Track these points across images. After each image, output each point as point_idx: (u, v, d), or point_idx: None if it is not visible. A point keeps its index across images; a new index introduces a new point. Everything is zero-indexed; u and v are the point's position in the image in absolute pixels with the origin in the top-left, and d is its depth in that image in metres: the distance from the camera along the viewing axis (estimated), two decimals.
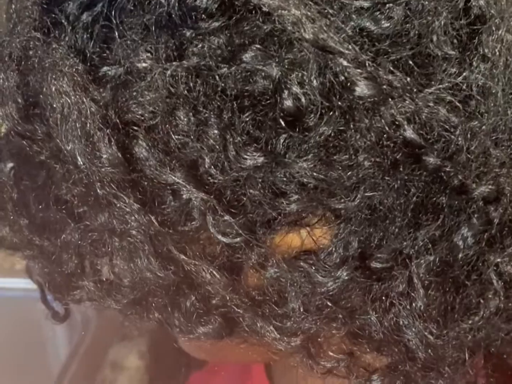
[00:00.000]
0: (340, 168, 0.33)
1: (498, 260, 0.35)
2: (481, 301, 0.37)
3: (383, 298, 0.36)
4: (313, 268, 0.35)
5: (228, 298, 0.35)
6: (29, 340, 1.06)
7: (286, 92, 0.31)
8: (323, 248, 0.36)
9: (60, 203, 0.36)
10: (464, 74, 0.33)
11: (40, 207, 0.37)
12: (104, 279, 0.37)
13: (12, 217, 0.38)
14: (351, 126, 0.32)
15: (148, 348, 1.03)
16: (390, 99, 0.31)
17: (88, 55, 0.33)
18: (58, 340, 1.09)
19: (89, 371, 1.01)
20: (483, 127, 0.33)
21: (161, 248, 0.34)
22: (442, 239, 0.35)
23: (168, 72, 0.31)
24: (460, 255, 0.35)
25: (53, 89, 0.32)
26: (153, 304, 0.37)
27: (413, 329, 0.35)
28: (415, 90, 0.32)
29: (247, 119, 0.32)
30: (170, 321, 0.37)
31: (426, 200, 0.35)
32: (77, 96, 0.32)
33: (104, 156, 0.32)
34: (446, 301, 0.36)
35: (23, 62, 0.35)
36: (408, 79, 0.32)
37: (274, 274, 0.35)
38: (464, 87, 0.33)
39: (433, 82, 0.33)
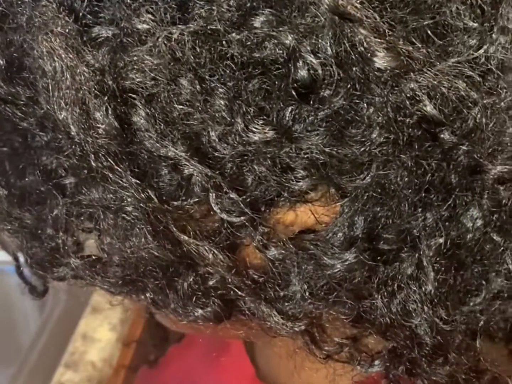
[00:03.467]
0: (352, 143, 0.31)
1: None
2: (483, 282, 0.35)
3: (391, 281, 0.34)
4: (319, 248, 0.33)
5: (229, 279, 0.33)
6: None
7: (301, 61, 0.29)
8: (326, 227, 0.34)
9: (46, 173, 0.33)
10: (484, 47, 0.31)
11: (20, 177, 0.35)
12: (92, 256, 0.35)
13: None
14: (366, 99, 0.30)
15: (119, 321, 1.02)
16: (410, 72, 0.29)
17: (81, 14, 0.30)
18: (28, 312, 1.07)
19: (59, 343, 0.99)
20: (502, 103, 0.32)
21: (159, 226, 0.32)
22: (452, 220, 0.34)
23: (174, 36, 0.29)
24: (468, 236, 0.34)
25: (44, 51, 0.29)
26: (147, 285, 0.34)
27: (422, 314, 0.34)
28: (435, 62, 0.30)
29: (256, 88, 0.30)
30: (165, 302, 0.35)
31: (438, 179, 0.33)
32: (71, 59, 0.29)
33: (101, 126, 0.29)
34: (455, 283, 0.35)
35: (6, 20, 0.32)
36: (428, 50, 0.30)
37: (278, 254, 0.33)
38: (483, 60, 0.31)
39: (452, 55, 0.31)
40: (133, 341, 0.84)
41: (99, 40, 0.30)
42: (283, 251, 0.33)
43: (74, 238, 0.35)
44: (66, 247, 0.35)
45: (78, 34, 0.30)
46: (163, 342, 0.68)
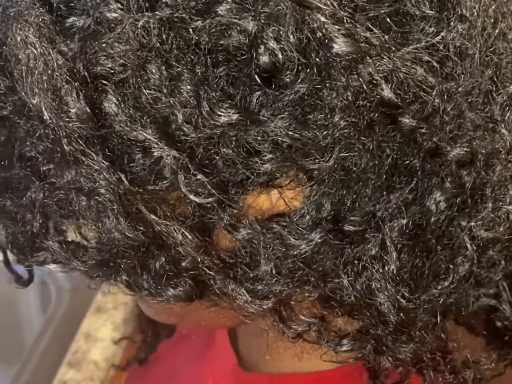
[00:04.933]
0: (315, 127, 0.32)
1: (472, 224, 0.35)
2: (451, 266, 0.37)
3: (356, 261, 0.35)
4: (286, 230, 0.35)
5: (199, 260, 0.34)
6: (2, 311, 1.05)
7: (262, 47, 0.30)
8: (295, 210, 0.35)
9: (24, 160, 0.35)
10: (442, 34, 0.32)
11: (1, 165, 0.36)
12: (70, 240, 0.36)
13: None
14: (328, 84, 0.32)
15: (122, 321, 1.03)
16: (368, 57, 0.30)
17: (55, 4, 0.32)
18: (32, 310, 1.08)
19: (62, 342, 1.00)
20: (460, 88, 0.33)
21: (131, 207, 0.33)
22: (415, 202, 0.35)
23: (140, 23, 0.30)
24: (432, 219, 0.35)
25: (18, 39, 0.31)
26: (121, 266, 0.36)
27: (385, 293, 0.35)
28: (393, 48, 0.31)
29: (222, 74, 0.32)
30: (138, 283, 0.37)
31: (400, 162, 0.34)
32: (44, 48, 0.31)
33: (72, 110, 0.31)
34: (417, 264, 0.36)
35: None
36: (386, 37, 0.31)
37: (247, 235, 0.34)
38: (441, 47, 0.33)
39: (410, 41, 0.32)
40: (123, 338, 0.85)
41: (72, 30, 0.32)
42: (250, 232, 0.34)
43: (52, 222, 0.36)
44: (44, 231, 0.36)
45: (52, 23, 0.32)
46: (153, 339, 0.69)
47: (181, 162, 0.32)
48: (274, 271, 0.35)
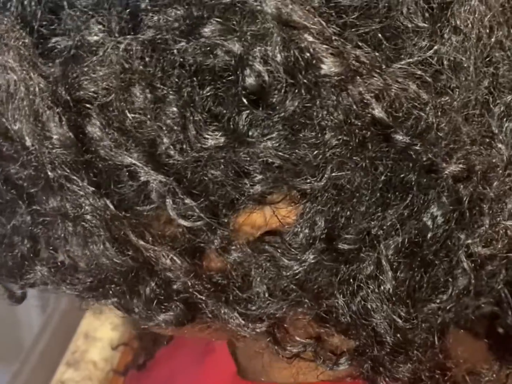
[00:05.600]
0: (306, 146, 0.31)
1: (469, 241, 0.34)
2: (450, 279, 0.36)
3: (351, 281, 0.35)
4: (279, 251, 0.34)
5: (189, 284, 0.34)
6: (1, 311, 1.05)
7: (248, 69, 0.29)
8: (289, 228, 0.34)
9: (10, 183, 0.34)
10: (435, 47, 0.32)
11: None
12: (59, 264, 0.36)
13: None
14: (318, 103, 0.31)
15: (121, 321, 1.02)
16: (358, 77, 0.29)
17: (36, 27, 0.31)
18: (30, 310, 1.08)
19: (61, 341, 1.00)
20: (454, 103, 0.32)
21: (118, 233, 0.32)
22: (411, 218, 0.34)
23: (122, 46, 0.29)
24: (429, 235, 0.34)
25: None
26: (111, 291, 0.35)
27: (381, 313, 0.34)
28: (384, 65, 0.30)
29: (208, 95, 0.31)
30: (129, 307, 0.36)
31: (395, 178, 0.33)
32: (24, 72, 0.30)
33: (55, 136, 0.30)
34: (415, 282, 0.35)
35: None
36: (377, 53, 0.30)
37: (238, 258, 0.34)
38: (434, 61, 0.32)
39: (402, 56, 0.31)
40: (122, 344, 0.84)
41: (54, 52, 0.31)
42: (242, 254, 0.34)
43: (41, 246, 0.35)
44: (32, 255, 0.35)
45: (33, 46, 0.30)
46: (151, 344, 0.68)
47: (168, 186, 0.31)
48: (267, 293, 0.34)
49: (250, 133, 0.31)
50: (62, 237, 0.33)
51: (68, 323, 1.03)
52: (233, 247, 0.34)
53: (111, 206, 0.31)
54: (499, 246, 0.34)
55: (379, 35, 0.31)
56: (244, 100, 0.30)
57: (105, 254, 0.32)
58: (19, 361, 0.98)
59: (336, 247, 0.34)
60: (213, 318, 0.35)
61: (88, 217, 0.32)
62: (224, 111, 0.31)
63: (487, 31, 0.33)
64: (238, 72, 0.30)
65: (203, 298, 0.34)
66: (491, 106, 0.34)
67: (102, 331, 1.00)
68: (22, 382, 0.97)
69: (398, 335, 0.35)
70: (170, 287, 0.35)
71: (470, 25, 0.32)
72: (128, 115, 0.30)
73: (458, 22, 0.32)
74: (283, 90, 0.30)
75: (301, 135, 0.31)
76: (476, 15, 0.32)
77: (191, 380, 0.58)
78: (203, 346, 0.59)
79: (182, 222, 0.32)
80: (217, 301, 0.34)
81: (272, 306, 0.35)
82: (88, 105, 0.31)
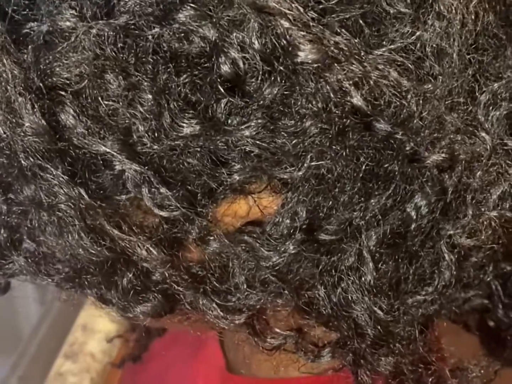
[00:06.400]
0: (285, 135, 0.31)
1: (451, 232, 0.33)
2: (436, 271, 0.35)
3: (332, 272, 0.34)
4: (258, 241, 0.33)
5: (167, 275, 0.33)
6: None
7: (223, 56, 0.29)
8: (270, 218, 0.34)
9: None
10: (418, 33, 0.31)
11: None
12: (36, 254, 0.35)
13: None
14: (296, 91, 0.30)
15: None
16: (336, 64, 0.29)
17: (9, 12, 0.30)
18: (29, 302, 1.08)
19: (59, 333, 1.00)
20: (437, 90, 0.31)
21: (93, 222, 0.32)
22: (394, 209, 0.33)
23: (94, 31, 0.28)
24: (413, 226, 0.34)
25: None
26: (87, 282, 0.35)
27: (362, 305, 0.33)
28: (363, 52, 0.29)
29: (184, 82, 0.30)
30: (106, 298, 0.35)
31: (377, 168, 0.33)
32: None
33: (27, 124, 0.29)
34: (398, 273, 0.34)
35: None
36: (356, 40, 0.30)
37: (216, 249, 0.33)
38: (417, 48, 0.31)
39: (384, 43, 0.30)
40: (117, 336, 0.84)
41: (28, 38, 0.30)
42: (220, 245, 0.33)
43: (18, 235, 0.35)
44: (9, 245, 0.35)
45: (7, 32, 0.30)
46: (144, 337, 0.68)
47: (144, 175, 0.31)
48: (246, 284, 0.34)
49: (228, 121, 0.31)
50: (37, 227, 0.33)
51: (66, 315, 1.03)
52: (212, 238, 0.33)
53: (86, 196, 0.31)
54: (483, 237, 0.34)
55: (360, 21, 0.30)
56: (221, 88, 0.30)
57: (80, 244, 0.32)
58: (17, 353, 0.98)
59: (317, 237, 0.33)
60: (191, 310, 0.35)
61: (63, 206, 0.31)
62: (201, 99, 0.30)
63: (472, 17, 0.32)
64: (213, 59, 0.29)
65: (181, 289, 0.33)
66: (477, 94, 0.33)
67: (100, 323, 0.99)
68: (20, 374, 0.97)
69: (379, 327, 0.34)
70: (148, 278, 0.34)
71: (454, 11, 0.31)
72: (102, 102, 0.30)
73: (442, 8, 0.31)
74: (259, 78, 0.29)
75: (280, 123, 0.31)
76: (461, 1, 0.32)
77: (185, 374, 0.58)
78: (196, 339, 0.59)
79: (158, 212, 0.31)
80: (195, 292, 0.34)
81: (251, 297, 0.34)
82: (61, 92, 0.30)
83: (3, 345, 1.04)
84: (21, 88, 0.29)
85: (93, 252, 0.32)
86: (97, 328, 1.00)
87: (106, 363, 0.94)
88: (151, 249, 0.32)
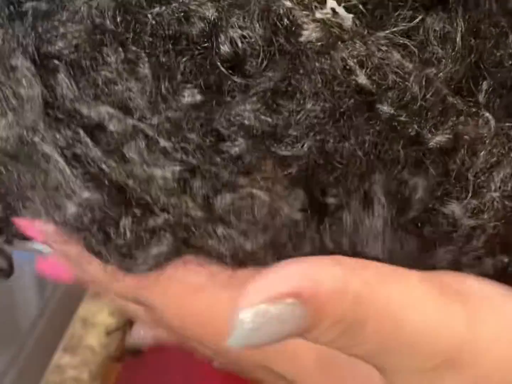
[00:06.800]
0: (287, 113, 0.31)
1: (456, 213, 0.33)
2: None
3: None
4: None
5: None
6: None
7: (222, 36, 0.29)
8: None
9: None
10: (421, 17, 0.31)
11: None
12: None
13: None
14: (299, 70, 0.30)
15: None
16: (340, 42, 0.29)
17: None
18: (28, 295, 1.08)
19: (58, 326, 1.00)
20: (440, 74, 0.32)
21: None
22: (397, 191, 0.34)
23: (94, 3, 0.29)
24: (415, 206, 0.34)
25: None
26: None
27: None
28: (366, 32, 0.30)
29: (184, 60, 0.30)
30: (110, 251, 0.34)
31: (381, 149, 0.33)
32: None
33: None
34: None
35: None
36: (358, 22, 0.30)
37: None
38: (420, 31, 0.31)
39: (386, 26, 0.31)
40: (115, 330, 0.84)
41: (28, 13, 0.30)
42: None
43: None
44: None
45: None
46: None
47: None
48: None
49: (227, 98, 0.31)
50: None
51: (65, 308, 1.03)
52: None
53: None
54: (485, 217, 0.34)
55: (360, 6, 0.30)
56: (222, 68, 0.30)
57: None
58: (16, 346, 0.98)
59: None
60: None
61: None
62: (202, 77, 0.31)
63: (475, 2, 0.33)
64: (212, 39, 0.30)
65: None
66: (480, 80, 0.34)
67: (100, 317, 1.00)
68: (19, 367, 0.98)
69: None
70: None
71: None
72: (100, 73, 0.30)
73: None
74: (260, 58, 0.30)
75: (281, 101, 0.31)
76: None
77: (185, 367, 0.58)
78: None
79: None
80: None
81: None
82: (55, 61, 0.30)
83: (2, 338, 1.05)
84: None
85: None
86: (97, 321, 1.00)
87: (105, 356, 0.94)
88: None
